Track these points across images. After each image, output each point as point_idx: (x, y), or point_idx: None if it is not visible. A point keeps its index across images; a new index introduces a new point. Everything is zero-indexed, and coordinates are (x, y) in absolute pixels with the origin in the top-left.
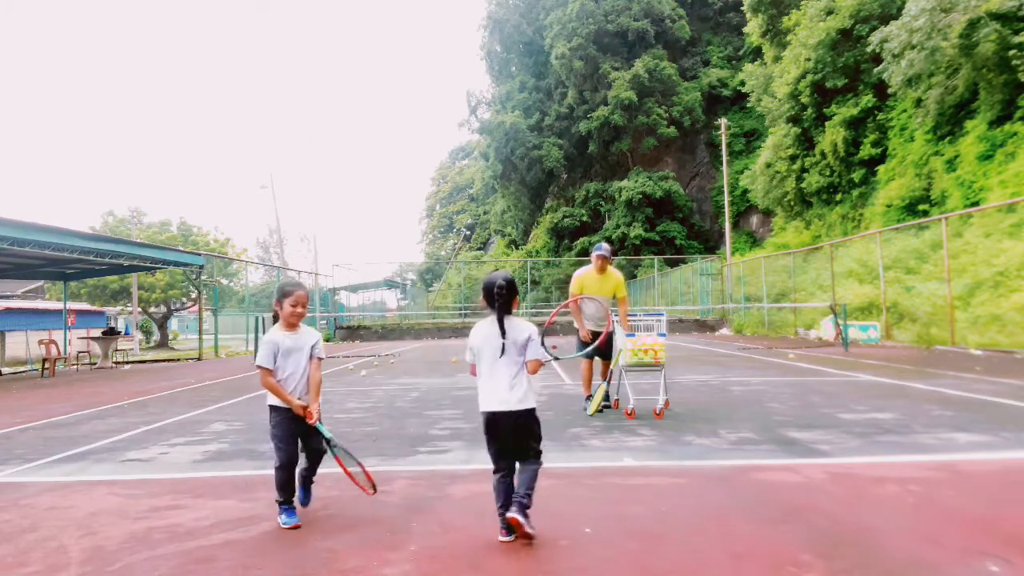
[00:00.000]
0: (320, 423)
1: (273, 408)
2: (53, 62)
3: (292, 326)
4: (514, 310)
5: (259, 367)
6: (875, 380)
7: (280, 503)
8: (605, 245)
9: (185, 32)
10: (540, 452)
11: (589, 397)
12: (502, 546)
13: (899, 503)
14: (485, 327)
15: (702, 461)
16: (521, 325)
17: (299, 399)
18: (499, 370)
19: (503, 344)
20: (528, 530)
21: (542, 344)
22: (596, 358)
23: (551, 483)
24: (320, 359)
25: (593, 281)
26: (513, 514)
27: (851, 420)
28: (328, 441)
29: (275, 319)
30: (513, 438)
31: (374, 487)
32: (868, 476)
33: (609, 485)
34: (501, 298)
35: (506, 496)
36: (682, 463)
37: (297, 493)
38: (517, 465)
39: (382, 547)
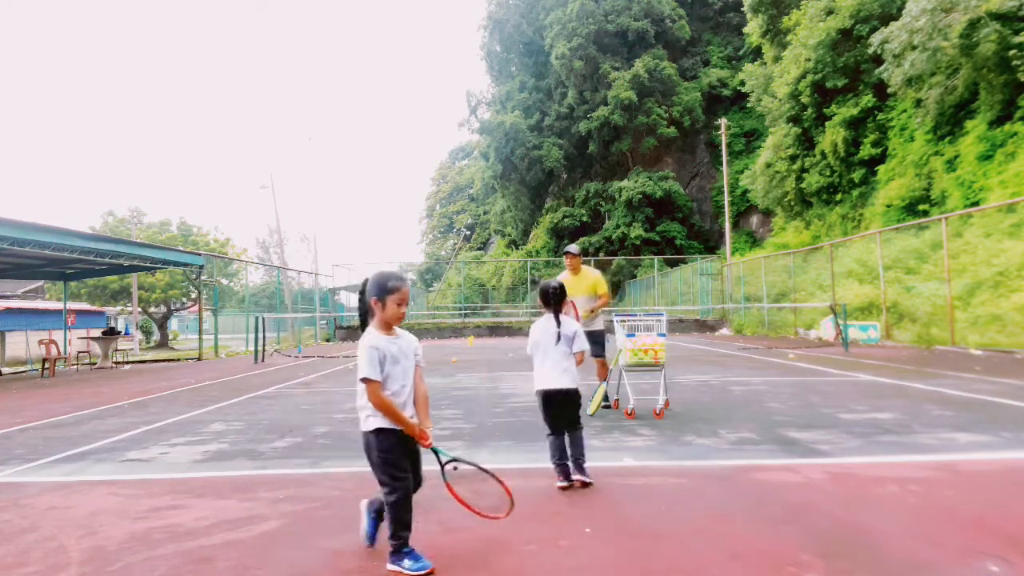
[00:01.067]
0: (436, 446)
1: (381, 431)
2: (53, 62)
3: (392, 328)
4: (564, 310)
5: (366, 380)
6: (875, 380)
7: (401, 542)
8: (573, 246)
9: (185, 32)
10: (579, 421)
11: None
12: (503, 546)
13: (899, 503)
14: (543, 323)
15: (702, 461)
16: (570, 322)
17: (411, 415)
18: (554, 357)
19: (558, 334)
20: (588, 480)
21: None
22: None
23: (551, 483)
24: (423, 367)
25: (569, 283)
26: (578, 476)
27: (851, 420)
28: (443, 465)
29: (363, 320)
30: (562, 410)
31: (511, 502)
32: (868, 476)
33: (609, 485)
34: (556, 298)
35: (560, 452)
36: (682, 463)
37: (364, 524)
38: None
39: (382, 547)
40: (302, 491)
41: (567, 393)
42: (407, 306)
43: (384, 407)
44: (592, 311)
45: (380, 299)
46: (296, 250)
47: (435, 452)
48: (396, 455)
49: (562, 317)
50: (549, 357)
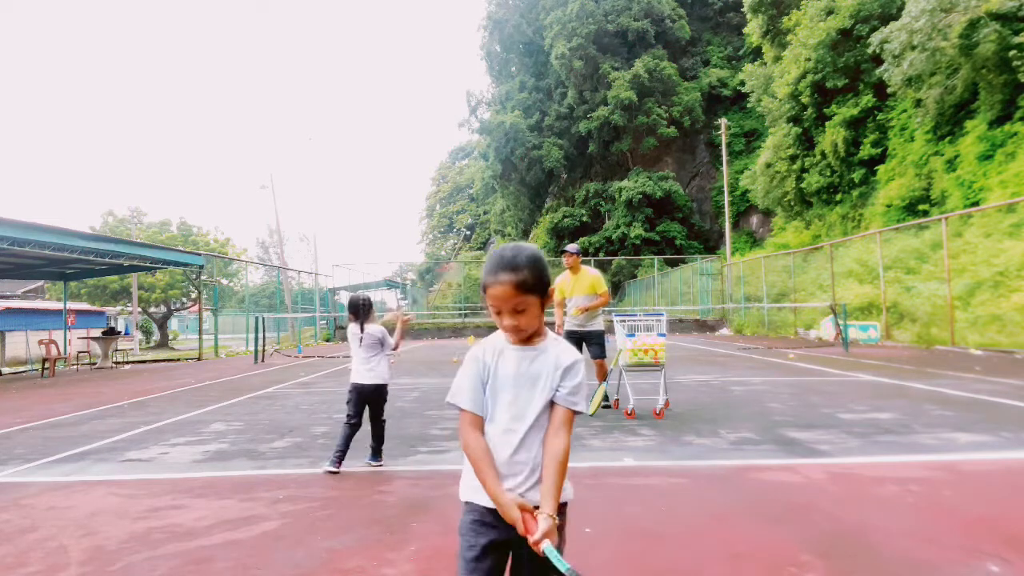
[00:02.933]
0: (551, 547)
1: (469, 505)
2: (53, 62)
3: (530, 338)
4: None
5: (456, 407)
6: (875, 380)
7: None
8: (572, 245)
9: (185, 32)
10: (383, 413)
11: None
12: None
13: (899, 503)
14: (351, 328)
15: (702, 461)
16: (376, 328)
17: (520, 486)
18: (360, 356)
19: (360, 338)
20: (379, 464)
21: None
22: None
23: None
24: (574, 411)
25: (569, 283)
26: (371, 462)
27: (851, 420)
28: None
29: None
30: (370, 403)
31: None
32: (868, 476)
33: (609, 485)
34: (365, 310)
35: (346, 442)
36: (682, 463)
37: None
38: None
39: (382, 547)
40: (302, 491)
41: (375, 388)
42: (516, 312)
43: (470, 454)
44: (588, 309)
45: (484, 294)
46: (296, 250)
47: (548, 558)
48: (474, 549)
49: (368, 325)
50: (357, 357)
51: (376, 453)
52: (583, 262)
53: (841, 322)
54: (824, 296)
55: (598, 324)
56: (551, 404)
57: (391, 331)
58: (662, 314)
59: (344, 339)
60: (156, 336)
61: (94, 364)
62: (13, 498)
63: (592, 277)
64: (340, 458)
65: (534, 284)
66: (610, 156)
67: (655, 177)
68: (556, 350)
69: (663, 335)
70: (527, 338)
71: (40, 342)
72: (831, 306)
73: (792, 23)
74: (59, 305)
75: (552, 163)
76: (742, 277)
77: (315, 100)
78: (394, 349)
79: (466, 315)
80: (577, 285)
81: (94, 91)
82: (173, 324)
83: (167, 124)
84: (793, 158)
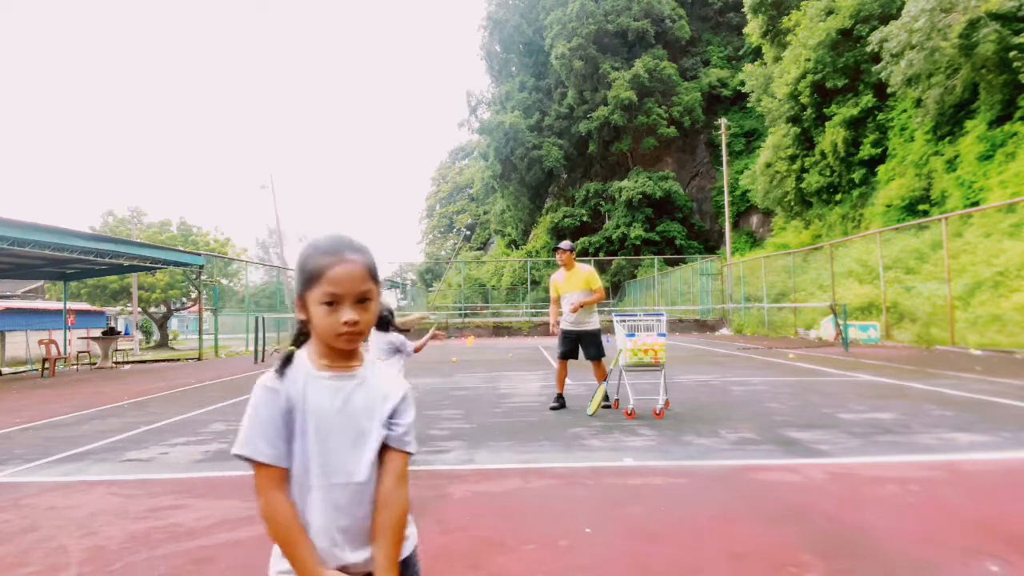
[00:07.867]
0: None
1: None
2: (53, 62)
3: (349, 355)
4: None
5: (248, 460)
6: (875, 380)
7: None
8: (564, 242)
9: (185, 32)
10: None
11: (560, 395)
12: (502, 546)
13: (899, 503)
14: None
15: (702, 461)
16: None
17: (337, 556)
18: None
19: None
20: None
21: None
22: (575, 359)
23: (551, 483)
24: (406, 452)
25: (564, 280)
26: None
27: (851, 420)
28: None
29: (298, 337)
30: None
31: None
32: (868, 476)
33: (609, 485)
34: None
35: None
36: (682, 463)
37: None
38: None
39: None
40: None
41: None
42: (358, 306)
43: (272, 524)
44: (584, 304)
45: (301, 296)
46: (295, 250)
47: None
48: None
49: (388, 334)
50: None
51: None
52: (582, 262)
53: (841, 322)
54: (824, 296)
55: (594, 323)
56: (383, 449)
57: (411, 330)
58: (662, 314)
59: None
60: (156, 336)
61: (94, 364)
62: (13, 498)
63: (586, 273)
64: None
65: (376, 274)
66: (610, 156)
67: (655, 177)
68: (380, 378)
69: (663, 335)
70: (346, 356)
71: (40, 342)
72: (831, 306)
73: (792, 23)
74: (59, 305)
75: (552, 163)
76: (742, 277)
77: (315, 100)
78: (416, 351)
79: (466, 315)
80: (571, 282)
81: (94, 91)
82: (173, 324)
83: (167, 124)
84: (793, 158)
